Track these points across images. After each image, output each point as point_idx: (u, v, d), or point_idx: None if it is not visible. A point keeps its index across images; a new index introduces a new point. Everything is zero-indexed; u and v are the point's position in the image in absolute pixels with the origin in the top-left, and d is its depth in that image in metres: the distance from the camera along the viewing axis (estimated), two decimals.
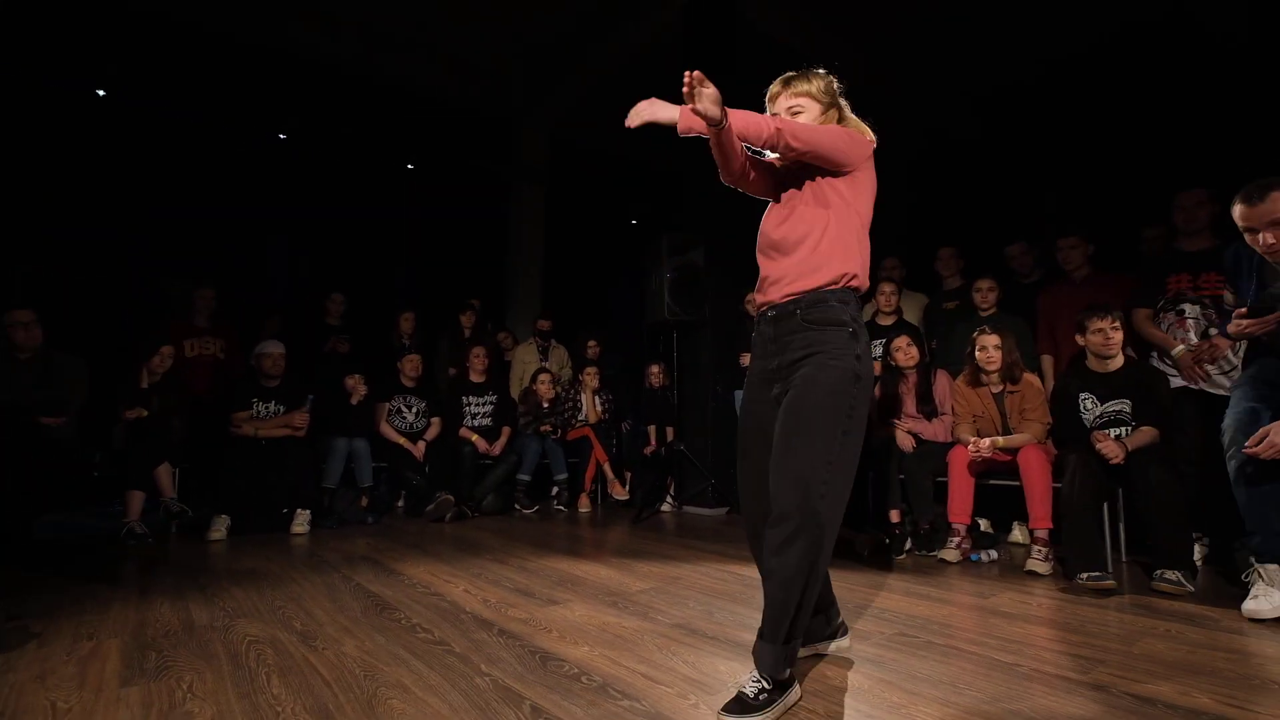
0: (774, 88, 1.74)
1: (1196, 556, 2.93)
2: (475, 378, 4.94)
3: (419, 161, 6.52)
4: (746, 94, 5.21)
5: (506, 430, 4.87)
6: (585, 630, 2.01)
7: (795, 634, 1.45)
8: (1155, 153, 3.99)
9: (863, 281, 1.62)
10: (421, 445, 4.61)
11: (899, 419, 3.50)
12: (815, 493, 1.41)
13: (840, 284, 1.58)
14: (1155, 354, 3.10)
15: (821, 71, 1.73)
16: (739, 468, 1.70)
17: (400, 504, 4.81)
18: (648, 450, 5.28)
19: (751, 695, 1.41)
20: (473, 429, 4.78)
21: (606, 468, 4.95)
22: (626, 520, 4.34)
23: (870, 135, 1.70)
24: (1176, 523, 2.59)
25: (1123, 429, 2.82)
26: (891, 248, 4.44)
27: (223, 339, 4.37)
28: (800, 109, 1.69)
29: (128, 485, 3.58)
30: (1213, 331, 2.75)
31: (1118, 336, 2.80)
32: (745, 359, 4.86)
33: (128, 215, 5.03)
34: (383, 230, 6.12)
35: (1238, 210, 2.17)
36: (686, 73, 1.41)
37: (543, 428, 4.91)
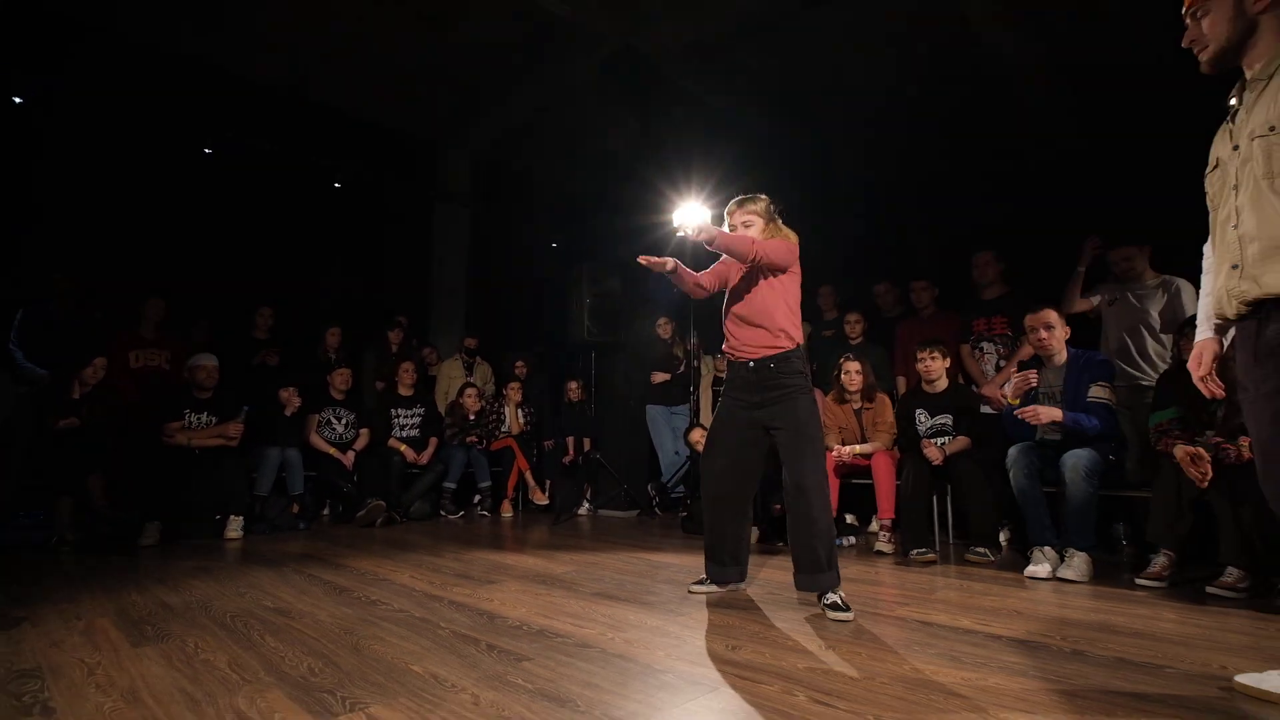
0: (730, 206, 2.54)
1: (1003, 538, 3.74)
2: (404, 391, 5.24)
3: (346, 180, 6.71)
4: (660, 137, 5.79)
5: (433, 441, 5.20)
6: (521, 599, 2.47)
7: (834, 562, 2.28)
8: (978, 211, 4.94)
9: (801, 339, 2.46)
10: (351, 455, 4.86)
11: None
12: (820, 474, 2.31)
13: (794, 345, 2.41)
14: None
15: (763, 197, 2.50)
16: (708, 454, 2.52)
17: (326, 512, 5.03)
18: (566, 460, 5.74)
19: (843, 600, 2.23)
20: (401, 439, 5.07)
21: (528, 475, 5.37)
22: (547, 523, 4.77)
23: (795, 239, 2.48)
24: (982, 510, 3.36)
25: (945, 438, 3.58)
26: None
27: (169, 350, 4.47)
28: (751, 223, 2.48)
29: (57, 493, 3.66)
30: (1002, 364, 3.59)
31: (937, 365, 3.57)
32: (657, 377, 5.45)
33: (53, 223, 5.00)
34: (310, 246, 6.27)
35: (1026, 319, 3.22)
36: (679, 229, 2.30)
37: (469, 438, 5.27)
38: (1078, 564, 2.85)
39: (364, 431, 5.05)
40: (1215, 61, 1.47)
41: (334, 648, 1.89)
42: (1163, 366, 3.54)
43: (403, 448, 5.00)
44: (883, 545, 3.50)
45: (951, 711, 1.44)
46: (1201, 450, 2.68)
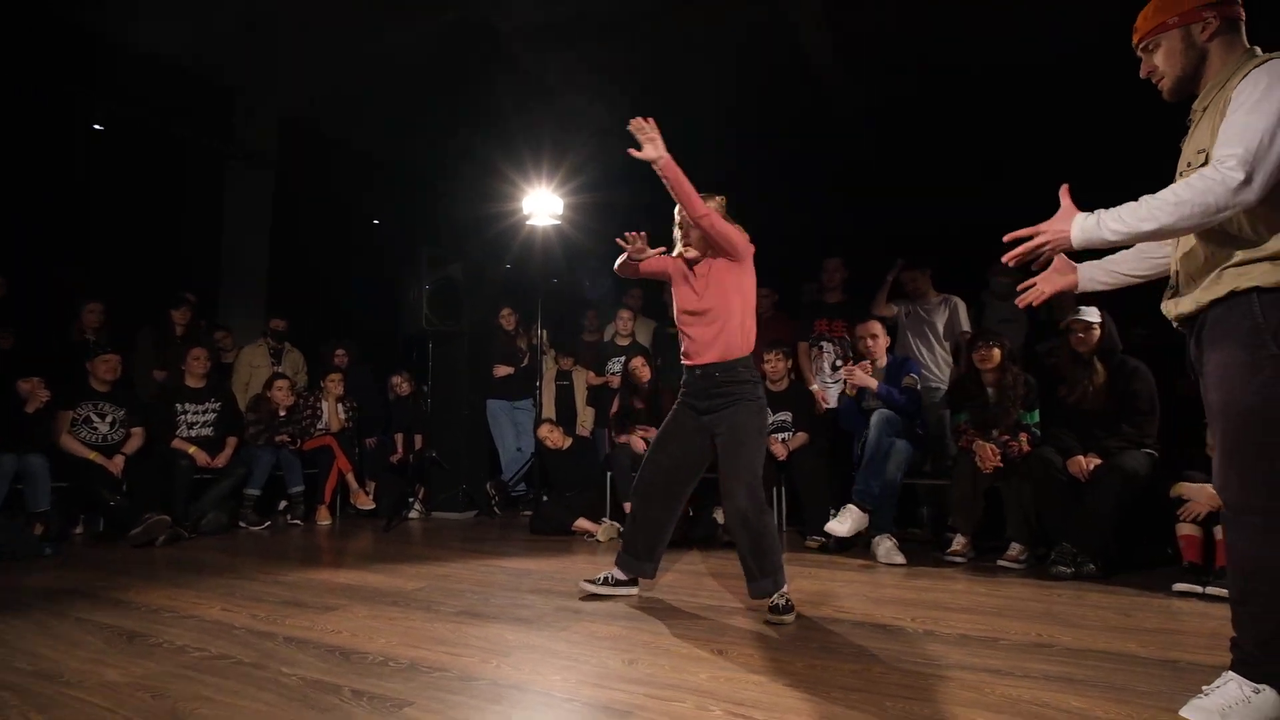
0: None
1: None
2: (193, 382, 4.43)
3: (108, 121, 5.48)
4: (506, 120, 5.49)
5: (232, 440, 4.46)
6: (375, 627, 2.17)
7: (776, 565, 2.23)
8: (816, 225, 5.40)
9: (752, 346, 2.39)
10: (119, 460, 4.00)
11: (633, 428, 4.18)
12: (757, 481, 2.26)
13: (743, 352, 2.36)
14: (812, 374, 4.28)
15: (718, 197, 2.41)
16: (656, 448, 2.50)
17: (79, 530, 4.09)
18: (395, 458, 5.26)
19: (784, 604, 2.20)
20: (190, 440, 4.28)
21: (350, 477, 4.83)
22: (373, 529, 4.33)
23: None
24: (819, 500, 3.65)
25: (786, 433, 3.84)
26: (630, 281, 5.20)
27: None
28: None
29: None
30: (839, 364, 3.94)
31: (781, 365, 3.84)
32: (498, 370, 5.19)
33: None
34: (59, 199, 5.02)
35: (856, 328, 3.67)
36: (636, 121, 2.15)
37: (278, 437, 4.59)
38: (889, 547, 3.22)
39: (136, 431, 4.18)
40: (1175, 92, 1.53)
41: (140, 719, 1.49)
42: (946, 370, 4.12)
43: (191, 449, 4.22)
44: (728, 537, 3.66)
45: (856, 707, 1.51)
46: (994, 446, 3.16)
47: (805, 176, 5.54)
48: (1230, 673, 1.43)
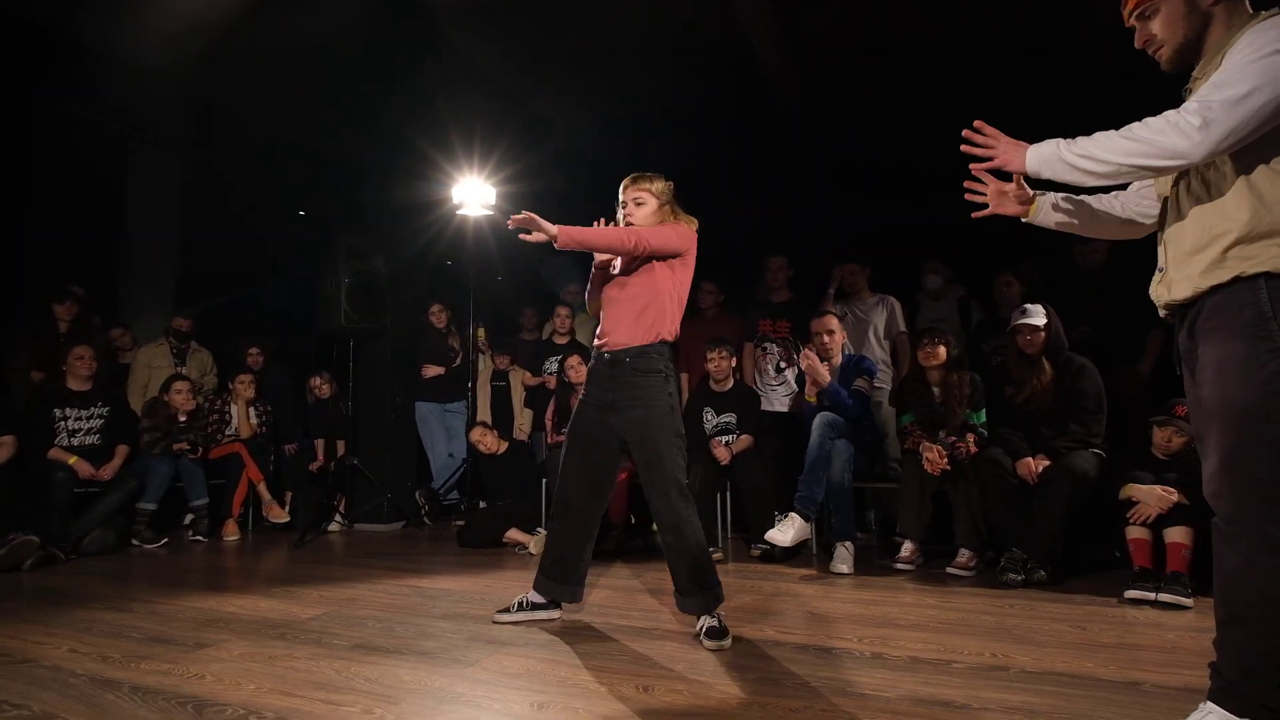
0: (625, 182, 2.27)
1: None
2: (76, 385, 3.96)
3: None
4: (434, 104, 5.11)
5: (123, 450, 4.01)
6: (248, 669, 1.86)
7: (713, 582, 2.08)
8: (760, 225, 5.25)
9: (673, 334, 2.19)
10: None
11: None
12: (683, 484, 2.10)
13: (658, 340, 2.14)
14: (756, 376, 4.10)
15: (665, 180, 2.27)
16: (566, 457, 2.25)
17: None
18: (314, 466, 4.86)
19: (718, 626, 2.01)
20: (71, 449, 3.81)
21: (262, 488, 4.41)
22: (287, 545, 3.95)
23: (694, 225, 2.25)
24: (764, 506, 3.46)
25: (730, 436, 3.64)
26: (571, 277, 4.94)
27: None
28: (643, 201, 2.22)
29: None
30: (783, 365, 3.78)
31: (725, 365, 3.64)
32: (428, 371, 4.85)
33: None
34: None
35: (811, 324, 3.46)
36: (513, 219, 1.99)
37: (177, 445, 4.16)
38: (845, 554, 3.05)
39: (5, 440, 3.69)
40: (1175, 61, 1.39)
41: None
42: (887, 370, 3.99)
43: (72, 459, 3.76)
44: None
45: None
46: (940, 448, 3.02)
47: (752, 170, 5.38)
48: (1210, 704, 1.27)
